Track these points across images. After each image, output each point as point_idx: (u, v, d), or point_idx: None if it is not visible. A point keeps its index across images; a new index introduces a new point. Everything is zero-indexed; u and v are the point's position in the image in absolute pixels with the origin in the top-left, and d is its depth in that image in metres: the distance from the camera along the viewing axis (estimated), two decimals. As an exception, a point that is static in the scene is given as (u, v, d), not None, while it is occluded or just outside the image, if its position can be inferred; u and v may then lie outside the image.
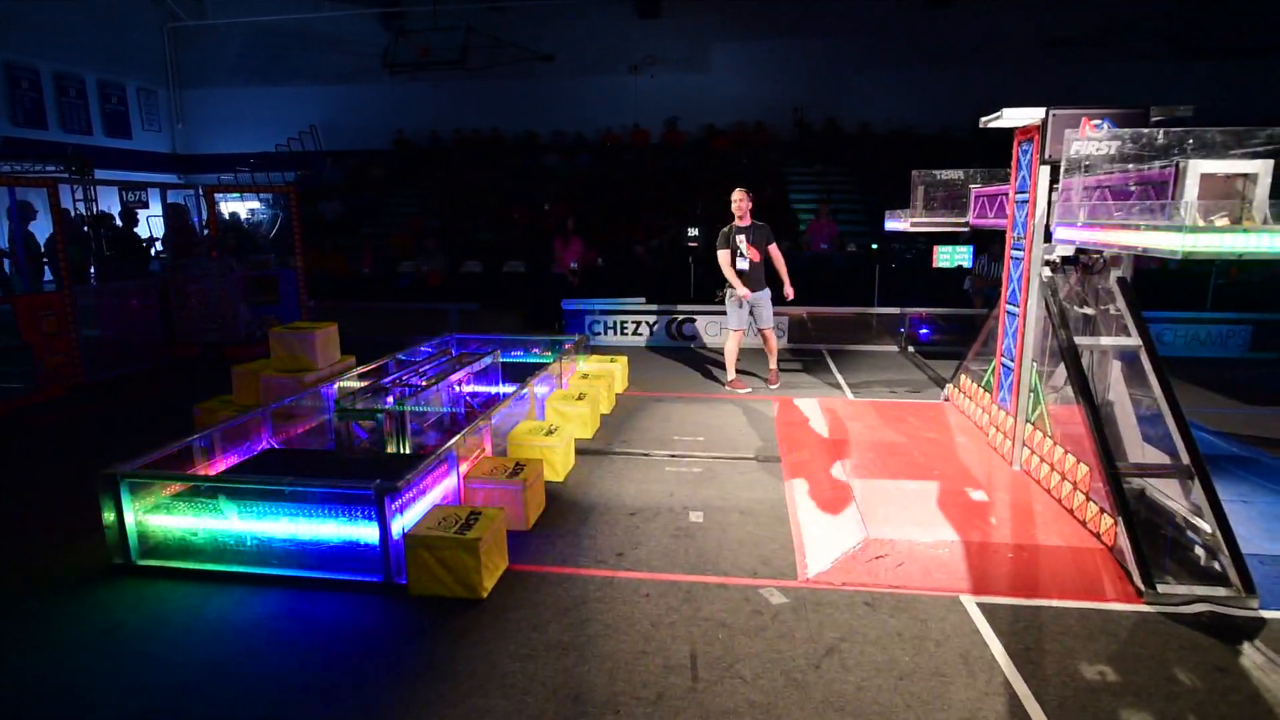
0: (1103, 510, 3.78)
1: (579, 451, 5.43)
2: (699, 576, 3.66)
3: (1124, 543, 3.54)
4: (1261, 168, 3.07)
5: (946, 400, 6.65)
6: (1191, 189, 3.11)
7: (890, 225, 7.01)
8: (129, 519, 3.74)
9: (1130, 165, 3.72)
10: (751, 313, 7.34)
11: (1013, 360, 4.92)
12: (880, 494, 4.41)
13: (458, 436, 4.36)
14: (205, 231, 10.36)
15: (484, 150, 17.33)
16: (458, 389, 5.74)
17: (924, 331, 9.77)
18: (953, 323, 9.74)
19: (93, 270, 9.49)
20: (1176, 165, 3.20)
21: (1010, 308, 4.99)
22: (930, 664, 2.94)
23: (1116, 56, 15.27)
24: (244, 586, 3.59)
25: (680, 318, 10.13)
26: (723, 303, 7.50)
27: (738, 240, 7.19)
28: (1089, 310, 4.53)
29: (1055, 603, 3.38)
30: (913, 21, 16.05)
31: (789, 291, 7.21)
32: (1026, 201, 4.60)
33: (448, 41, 15.61)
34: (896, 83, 16.40)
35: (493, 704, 2.73)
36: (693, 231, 11.05)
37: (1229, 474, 4.81)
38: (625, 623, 3.25)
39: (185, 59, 18.27)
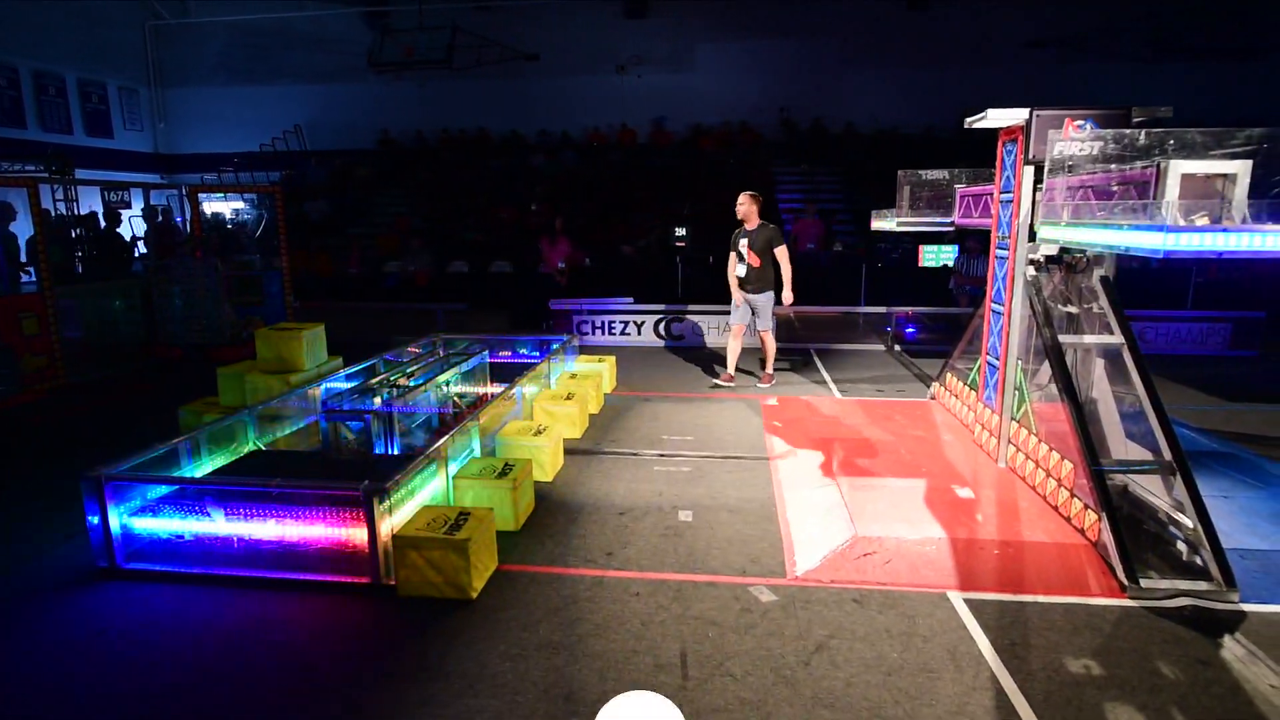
0: (1087, 506, 3.82)
1: (568, 451, 5.43)
2: (688, 575, 3.67)
3: (1108, 538, 3.59)
4: (1240, 168, 3.12)
5: (933, 399, 6.70)
6: (1172, 189, 3.17)
7: (877, 225, 7.07)
8: (114, 522, 3.70)
9: (1113, 165, 3.77)
10: (754, 313, 7.41)
11: (998, 358, 4.97)
12: (868, 492, 4.44)
13: (446, 437, 4.35)
14: (189, 231, 10.27)
15: (470, 150, 17.28)
16: (446, 389, 5.73)
17: (910, 330, 9.84)
18: (939, 321, 9.82)
19: (80, 270, 9.39)
20: (1158, 165, 3.25)
21: (995, 306, 5.04)
22: (918, 660, 2.97)
23: (1098, 57, 15.44)
24: (231, 589, 3.56)
25: (668, 317, 10.15)
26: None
27: (740, 244, 7.30)
28: (1073, 309, 4.59)
29: (1041, 598, 3.42)
30: (896, 22, 16.17)
31: (787, 296, 7.26)
32: (1011, 201, 4.64)
33: (433, 41, 15.53)
34: (881, 83, 16.50)
35: (483, 704, 2.73)
36: (680, 231, 11.07)
37: (1210, 470, 4.88)
38: (615, 622, 3.26)
39: (167, 57, 18.09)
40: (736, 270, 7.34)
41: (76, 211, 10.89)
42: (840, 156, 16.02)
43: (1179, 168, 3.17)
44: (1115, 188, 3.75)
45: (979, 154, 5.73)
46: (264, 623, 3.30)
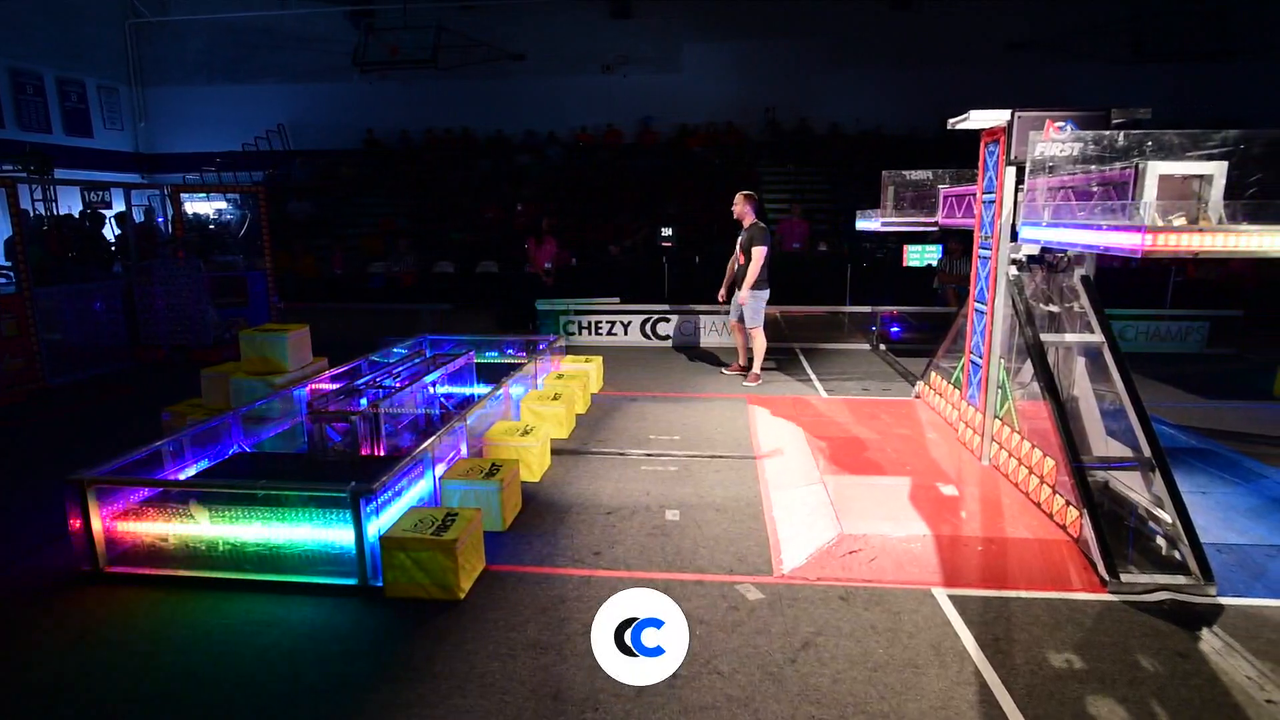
0: (1068, 503, 3.87)
1: (555, 452, 5.43)
2: (676, 574, 3.69)
3: (1089, 534, 3.64)
4: (1216, 169, 3.18)
5: (917, 397, 6.76)
6: (1150, 190, 3.22)
7: (861, 225, 7.12)
8: (96, 525, 3.67)
9: (1093, 166, 3.83)
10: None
11: (981, 357, 5.02)
12: (853, 490, 4.48)
13: (433, 438, 4.34)
14: (171, 232, 10.17)
15: (456, 150, 17.22)
16: (432, 390, 5.71)
17: (895, 329, 9.91)
18: (923, 321, 9.90)
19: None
20: (1136, 167, 3.30)
21: (978, 306, 5.09)
22: (903, 655, 3.00)
23: (1078, 59, 15.62)
24: (216, 592, 3.54)
25: (655, 317, 10.16)
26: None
27: (737, 244, 7.56)
28: (1054, 308, 4.64)
29: (1023, 593, 3.47)
30: (880, 23, 16.28)
31: (741, 293, 7.40)
32: (993, 202, 4.70)
33: (418, 40, 15.48)
34: (866, 83, 16.61)
35: (472, 704, 2.73)
36: (666, 231, 11.09)
37: (1188, 466, 4.95)
38: (603, 621, 3.26)
39: (147, 56, 17.89)
40: (734, 268, 7.62)
41: (56, 211, 10.75)
42: (825, 157, 16.11)
43: (1157, 169, 3.22)
44: (1095, 188, 3.81)
45: (962, 154, 5.79)
46: (249, 626, 3.28)
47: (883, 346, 9.65)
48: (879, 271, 11.23)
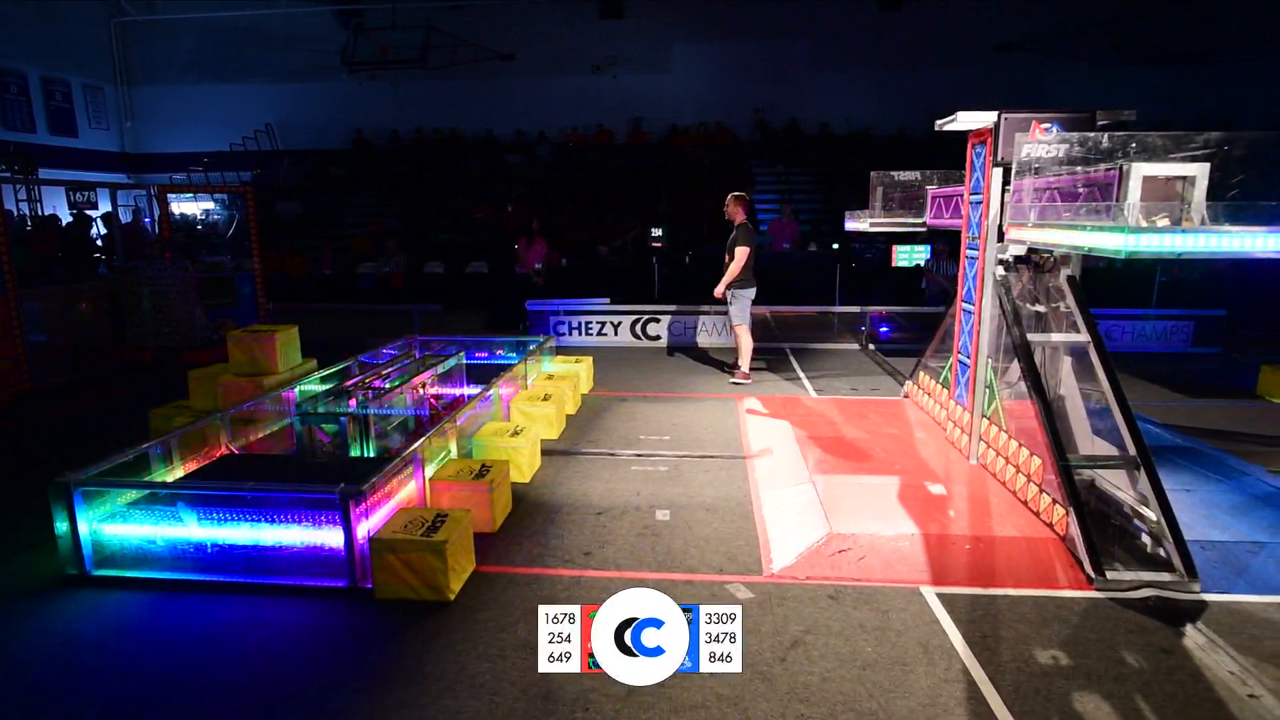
0: (1055, 501, 3.91)
1: (545, 452, 5.43)
2: (666, 574, 3.69)
3: (1075, 532, 3.67)
4: (1199, 170, 3.21)
5: (906, 397, 6.79)
6: (1134, 191, 3.25)
7: (850, 225, 7.15)
8: (83, 528, 3.64)
9: (1078, 168, 3.86)
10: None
11: (969, 357, 5.06)
12: (843, 489, 4.50)
13: (423, 439, 4.33)
14: (157, 232, 10.10)
15: (445, 150, 17.18)
16: (422, 391, 5.70)
17: (884, 329, 9.96)
18: (912, 321, 9.95)
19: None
20: (1120, 168, 3.33)
21: (966, 306, 5.12)
22: (892, 654, 3.02)
23: (1065, 60, 15.75)
24: (204, 595, 3.52)
25: (645, 318, 10.17)
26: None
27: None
28: (1040, 308, 4.68)
29: (1011, 591, 3.50)
30: (869, 24, 16.38)
31: (717, 289, 7.51)
32: (980, 202, 4.73)
33: (407, 40, 15.46)
34: (855, 84, 16.70)
35: (463, 705, 2.73)
36: (656, 232, 11.10)
37: (1173, 464, 5.00)
38: (594, 621, 3.27)
39: (134, 55, 17.78)
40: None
41: (40, 212, 10.67)
42: (815, 157, 16.17)
43: (1140, 170, 3.25)
44: (1080, 189, 3.84)
45: (952, 155, 5.82)
46: (237, 629, 3.26)
47: (872, 346, 9.70)
48: (868, 271, 11.28)
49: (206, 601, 3.47)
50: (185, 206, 12.28)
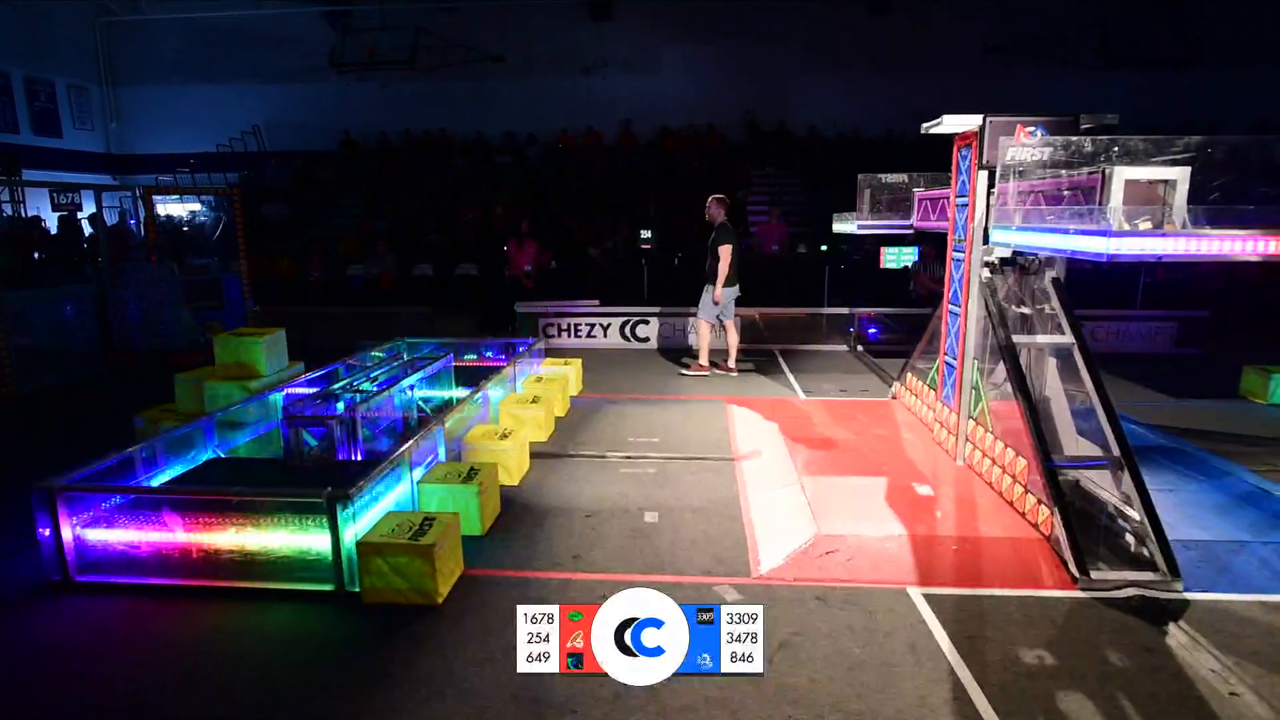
0: (1040, 501, 3.94)
1: (534, 455, 5.42)
2: (655, 576, 3.70)
3: (1060, 532, 3.70)
4: (1180, 174, 3.25)
5: (894, 398, 6.83)
6: (1117, 194, 3.29)
7: (838, 228, 7.19)
8: (66, 533, 3.61)
9: (1062, 171, 3.90)
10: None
11: (955, 358, 5.09)
12: (830, 491, 4.52)
13: (410, 442, 4.32)
14: (143, 234, 10.02)
15: (435, 152, 17.12)
16: (410, 394, 5.68)
17: (872, 331, 10.00)
18: (900, 322, 10.00)
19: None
20: (1103, 172, 3.37)
21: (953, 308, 5.16)
22: (879, 655, 3.03)
23: (1051, 63, 15.86)
24: (189, 600, 3.50)
25: (634, 320, 10.17)
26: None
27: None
28: (1026, 310, 4.72)
29: (997, 591, 3.52)
30: (857, 27, 16.44)
31: (715, 292, 7.73)
32: (966, 205, 4.77)
33: (396, 41, 15.39)
34: (843, 87, 16.76)
35: (450, 709, 2.72)
36: (646, 234, 11.10)
37: (1156, 464, 5.05)
38: (582, 624, 3.27)
39: (119, 55, 17.61)
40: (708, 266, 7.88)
41: (24, 213, 10.57)
42: (804, 159, 16.22)
43: (1123, 174, 3.29)
44: (1064, 193, 3.88)
45: (939, 157, 5.86)
46: (224, 634, 3.25)
47: (860, 348, 9.74)
48: (856, 273, 11.32)
49: (192, 606, 3.44)
50: (171, 208, 12.21)
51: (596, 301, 10.30)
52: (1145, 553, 3.67)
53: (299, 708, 2.76)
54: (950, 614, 3.32)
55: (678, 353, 9.73)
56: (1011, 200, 4.27)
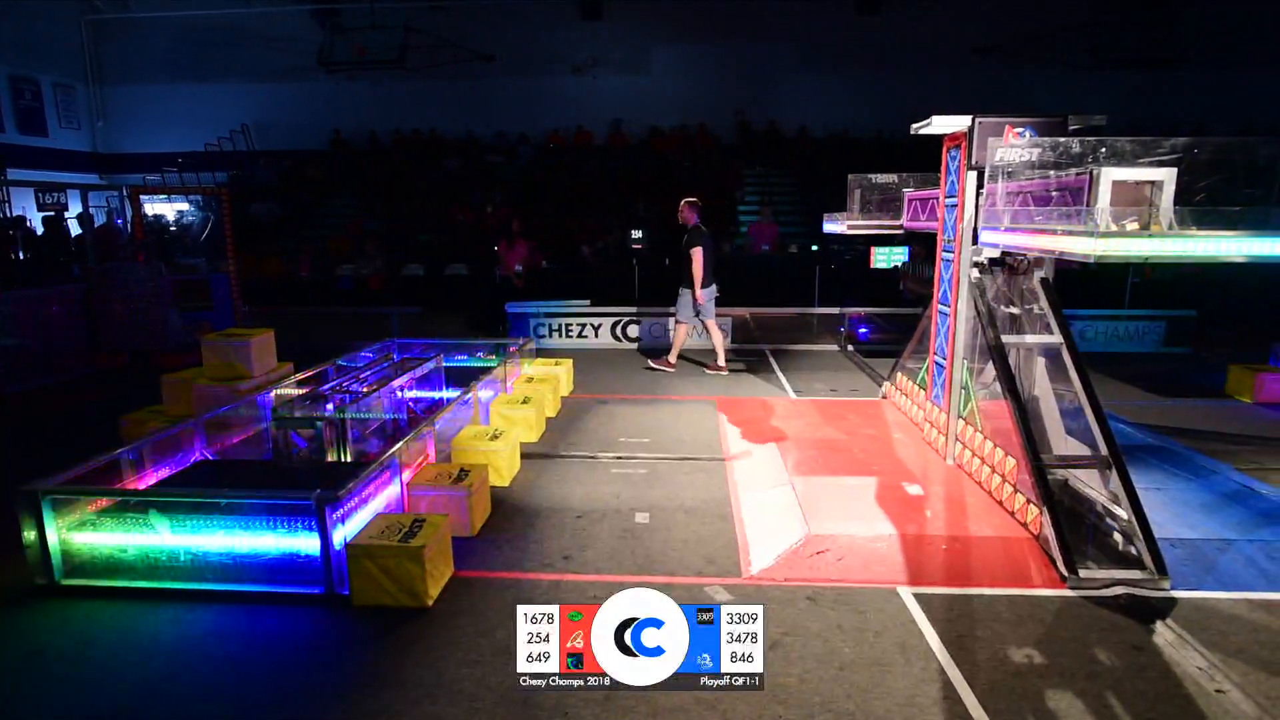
0: (1029, 501, 3.96)
1: (525, 455, 5.41)
2: (646, 577, 3.69)
3: (1049, 531, 3.72)
4: (1166, 175, 3.27)
5: (884, 398, 6.85)
6: (1104, 195, 3.30)
7: (828, 227, 7.20)
8: (51, 537, 3.57)
9: (1050, 172, 3.92)
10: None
11: (945, 358, 5.11)
12: (821, 491, 4.53)
13: (400, 443, 4.30)
14: (130, 234, 9.94)
15: (425, 151, 17.06)
16: (400, 395, 5.66)
17: (863, 331, 10.03)
18: (891, 322, 10.03)
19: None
20: (1091, 173, 3.39)
21: (942, 308, 5.18)
22: (870, 654, 3.04)
23: (1039, 64, 15.95)
24: (178, 604, 3.47)
25: (625, 320, 10.17)
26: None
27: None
28: (1015, 310, 4.74)
29: (986, 591, 3.54)
30: (846, 27, 16.49)
31: (698, 294, 7.86)
32: (955, 206, 4.78)
33: (386, 40, 15.33)
34: (834, 87, 16.81)
35: (441, 711, 2.71)
36: (636, 234, 11.09)
37: (1144, 463, 5.08)
38: (573, 625, 3.26)
39: (106, 53, 17.48)
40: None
41: (9, 213, 10.46)
42: (795, 159, 16.26)
43: (1110, 175, 3.31)
44: (1053, 193, 3.90)
45: (930, 157, 5.89)
46: (212, 638, 3.22)
47: (850, 347, 9.76)
48: (847, 273, 11.35)
49: (180, 610, 3.42)
50: (159, 208, 12.12)
51: (587, 301, 10.29)
52: (1133, 551, 3.69)
53: (290, 711, 2.74)
54: (940, 613, 3.34)
55: (658, 353, 9.73)
56: (1000, 201, 4.29)
